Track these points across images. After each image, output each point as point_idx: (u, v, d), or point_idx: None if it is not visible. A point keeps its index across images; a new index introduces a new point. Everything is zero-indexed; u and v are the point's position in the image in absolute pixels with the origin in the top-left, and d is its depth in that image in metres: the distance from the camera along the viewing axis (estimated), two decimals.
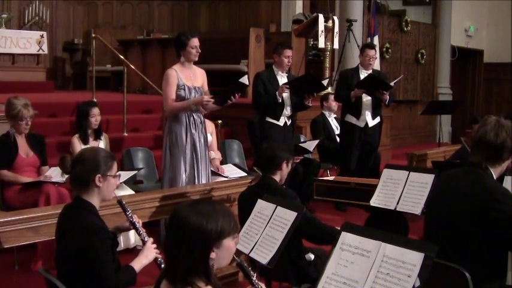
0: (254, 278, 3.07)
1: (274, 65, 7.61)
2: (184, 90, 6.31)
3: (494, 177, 3.78)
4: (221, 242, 2.48)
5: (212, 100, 6.23)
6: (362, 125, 8.34)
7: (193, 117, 6.42)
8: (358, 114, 8.31)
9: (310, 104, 7.50)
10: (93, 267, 3.36)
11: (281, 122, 7.46)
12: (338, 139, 8.92)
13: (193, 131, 6.40)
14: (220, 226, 2.47)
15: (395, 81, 8.66)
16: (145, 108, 10.59)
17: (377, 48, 12.37)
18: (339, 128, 8.96)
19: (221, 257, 2.52)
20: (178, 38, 6.43)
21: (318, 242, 4.63)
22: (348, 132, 8.44)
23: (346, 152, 8.46)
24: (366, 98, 8.24)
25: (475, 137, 3.83)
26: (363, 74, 8.26)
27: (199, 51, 6.39)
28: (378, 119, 8.49)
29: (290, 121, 7.59)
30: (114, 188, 3.67)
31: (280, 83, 7.41)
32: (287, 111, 7.49)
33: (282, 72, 7.55)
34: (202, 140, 6.50)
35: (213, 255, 2.47)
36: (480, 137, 3.76)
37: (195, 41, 6.32)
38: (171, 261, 2.51)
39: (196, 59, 6.43)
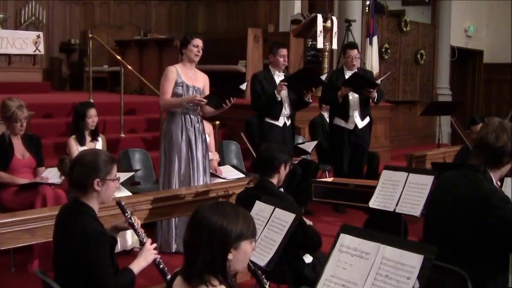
0: (267, 286, 3.15)
1: (271, 65, 7.61)
2: (182, 87, 6.36)
3: (494, 181, 3.72)
4: (239, 244, 2.53)
5: (205, 100, 6.24)
6: (351, 127, 8.30)
7: (190, 117, 6.45)
8: (346, 116, 8.27)
9: (311, 100, 7.50)
10: (93, 271, 3.35)
11: (280, 123, 7.45)
12: None
13: (189, 128, 6.42)
14: (240, 228, 2.53)
15: (381, 78, 8.62)
16: (142, 109, 10.54)
17: (375, 49, 12.45)
18: None
19: (237, 259, 2.55)
20: (183, 37, 6.60)
21: (305, 249, 4.59)
22: (336, 135, 8.40)
23: (337, 155, 8.43)
24: (353, 97, 8.20)
25: (476, 139, 3.79)
26: (348, 75, 8.21)
27: (201, 52, 6.44)
28: (367, 120, 8.44)
29: (290, 122, 7.59)
30: (113, 191, 3.65)
31: (277, 83, 7.39)
32: (286, 110, 7.48)
33: (279, 72, 7.55)
34: (199, 140, 6.51)
35: (230, 256, 2.51)
36: (481, 139, 3.71)
37: (197, 41, 6.41)
38: (189, 259, 2.54)
39: (197, 59, 6.48)
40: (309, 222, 4.67)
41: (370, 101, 8.37)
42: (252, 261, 3.48)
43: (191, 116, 6.44)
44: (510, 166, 3.78)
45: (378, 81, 8.18)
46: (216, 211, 2.53)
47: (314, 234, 4.47)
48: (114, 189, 3.64)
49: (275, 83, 7.43)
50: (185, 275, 2.55)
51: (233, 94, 6.36)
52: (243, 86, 6.40)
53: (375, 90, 7.96)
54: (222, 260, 2.49)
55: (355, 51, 8.32)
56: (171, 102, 6.37)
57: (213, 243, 2.46)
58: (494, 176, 3.72)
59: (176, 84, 6.35)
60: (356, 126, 8.29)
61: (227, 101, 6.31)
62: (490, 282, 3.62)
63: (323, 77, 7.82)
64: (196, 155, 6.46)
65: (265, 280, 3.12)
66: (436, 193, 3.97)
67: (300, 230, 4.21)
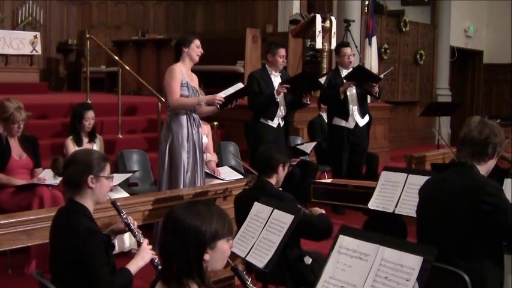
0: (249, 283, 3.08)
1: (268, 64, 7.60)
2: (188, 88, 6.27)
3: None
4: (215, 244, 2.50)
5: (223, 100, 6.23)
6: (352, 125, 8.27)
7: (193, 117, 6.40)
8: (346, 114, 8.25)
9: (309, 102, 7.48)
10: (88, 271, 3.33)
11: (275, 123, 7.46)
12: None
13: (194, 128, 6.38)
14: (214, 228, 2.50)
15: (384, 73, 8.60)
16: (140, 109, 10.51)
17: (374, 49, 12.44)
18: None
19: (215, 259, 2.53)
20: (182, 37, 6.53)
21: (315, 239, 4.56)
22: (336, 135, 8.38)
23: (336, 156, 8.40)
24: (351, 93, 8.17)
25: (460, 137, 3.86)
26: (344, 74, 8.18)
27: (202, 52, 6.41)
28: (367, 118, 8.43)
29: (284, 122, 7.59)
30: (108, 189, 3.64)
31: (274, 82, 7.45)
32: (281, 111, 7.50)
33: (276, 72, 7.53)
34: (200, 141, 6.50)
35: (206, 256, 2.48)
36: (465, 136, 3.79)
37: (199, 42, 6.38)
38: (165, 261, 2.54)
39: (198, 59, 6.43)
40: (320, 210, 4.64)
41: (369, 99, 8.35)
42: (233, 257, 3.46)
43: (194, 116, 6.39)
44: (495, 161, 3.86)
45: (381, 76, 8.15)
46: (189, 211, 2.50)
47: (321, 223, 4.44)
48: (108, 187, 3.64)
49: (272, 82, 7.45)
50: (163, 277, 2.54)
51: (240, 96, 6.40)
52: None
53: (377, 85, 7.95)
54: (198, 261, 2.47)
55: (350, 49, 8.36)
56: (185, 103, 6.25)
57: (188, 244, 2.44)
58: (481, 170, 3.78)
59: (181, 84, 6.24)
60: (356, 124, 8.27)
61: (234, 101, 6.32)
62: (487, 276, 3.62)
63: (322, 80, 7.79)
64: (199, 155, 6.44)
65: (246, 277, 3.09)
66: (428, 193, 3.96)
67: (305, 226, 4.20)
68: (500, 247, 3.75)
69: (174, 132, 6.33)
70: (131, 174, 7.09)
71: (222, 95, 6.29)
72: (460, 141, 3.85)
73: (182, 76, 6.26)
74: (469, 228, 3.58)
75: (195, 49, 6.32)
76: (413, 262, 2.71)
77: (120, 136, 9.10)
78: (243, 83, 6.59)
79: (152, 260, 3.58)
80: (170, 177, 6.38)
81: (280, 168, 4.62)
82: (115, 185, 6.36)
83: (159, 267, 3.50)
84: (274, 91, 7.27)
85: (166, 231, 2.54)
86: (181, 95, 6.25)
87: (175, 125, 6.34)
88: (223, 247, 2.54)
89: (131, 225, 3.70)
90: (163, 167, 6.40)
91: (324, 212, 4.63)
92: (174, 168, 6.34)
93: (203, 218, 2.48)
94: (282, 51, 7.45)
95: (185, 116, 6.33)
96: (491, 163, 3.83)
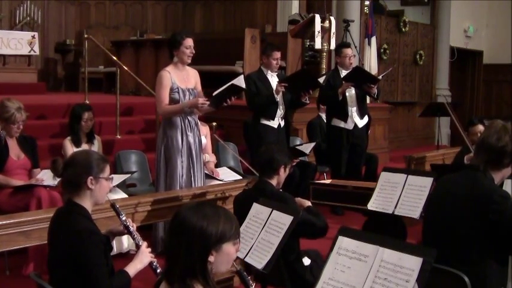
0: None
1: (263, 65, 7.59)
2: (178, 93, 6.21)
3: (495, 182, 3.74)
4: (221, 246, 2.49)
5: (207, 102, 6.13)
6: (351, 127, 8.25)
7: (188, 120, 6.34)
8: (345, 115, 8.22)
9: (308, 101, 7.46)
10: (86, 271, 3.32)
11: (275, 124, 7.45)
12: None
13: (189, 133, 6.33)
14: (220, 230, 2.49)
15: (383, 73, 8.57)
16: (138, 110, 10.49)
17: (374, 49, 12.42)
18: None
19: (220, 261, 2.52)
20: (172, 37, 6.35)
21: (312, 238, 4.54)
22: (335, 136, 8.36)
23: (335, 156, 8.38)
24: (349, 93, 8.15)
25: (478, 140, 3.83)
26: (344, 75, 8.16)
27: (193, 52, 6.28)
28: (366, 119, 8.41)
29: (284, 123, 7.57)
30: (107, 191, 3.64)
31: (272, 82, 7.46)
32: (280, 111, 7.49)
33: (272, 72, 7.53)
34: (197, 143, 6.45)
35: (211, 258, 2.48)
36: (482, 140, 3.75)
37: (189, 41, 6.21)
38: (170, 262, 2.52)
39: (190, 60, 6.31)
40: (307, 202, 4.64)
41: (368, 99, 8.31)
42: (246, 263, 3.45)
43: (189, 118, 6.35)
44: (511, 170, 3.79)
45: (380, 77, 8.12)
46: (196, 212, 2.49)
47: (318, 221, 4.41)
48: (108, 189, 3.64)
49: (269, 82, 7.46)
50: (167, 277, 2.52)
51: (234, 93, 6.31)
52: (241, 82, 6.27)
53: (375, 87, 7.92)
54: (202, 262, 2.46)
55: (350, 49, 8.33)
56: (171, 110, 6.21)
57: (193, 245, 2.43)
58: (496, 178, 3.73)
59: (172, 90, 6.19)
60: (356, 125, 8.24)
61: (228, 100, 6.25)
62: (490, 282, 3.62)
63: (321, 79, 7.77)
64: (195, 158, 6.40)
65: (251, 282, 3.08)
66: (436, 195, 3.96)
67: (303, 226, 4.17)
68: (506, 251, 3.72)
69: (169, 135, 6.30)
70: (130, 175, 7.09)
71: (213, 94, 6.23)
72: (477, 145, 3.83)
73: (171, 81, 6.20)
74: (473, 233, 3.58)
75: (185, 51, 6.19)
76: (412, 263, 2.69)
77: (119, 137, 9.09)
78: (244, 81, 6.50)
79: (151, 263, 3.56)
80: (166, 180, 6.37)
81: (282, 169, 4.60)
82: (113, 186, 6.34)
83: (158, 270, 3.51)
84: (274, 91, 7.25)
85: (172, 231, 2.53)
86: (173, 99, 6.21)
87: (169, 129, 6.31)
88: (229, 250, 2.53)
89: (130, 227, 3.69)
90: (160, 170, 6.40)
91: (310, 203, 4.63)
92: (170, 171, 6.33)
93: (209, 219, 2.47)
94: (276, 54, 7.44)
95: (179, 119, 6.30)
96: (506, 171, 3.78)
